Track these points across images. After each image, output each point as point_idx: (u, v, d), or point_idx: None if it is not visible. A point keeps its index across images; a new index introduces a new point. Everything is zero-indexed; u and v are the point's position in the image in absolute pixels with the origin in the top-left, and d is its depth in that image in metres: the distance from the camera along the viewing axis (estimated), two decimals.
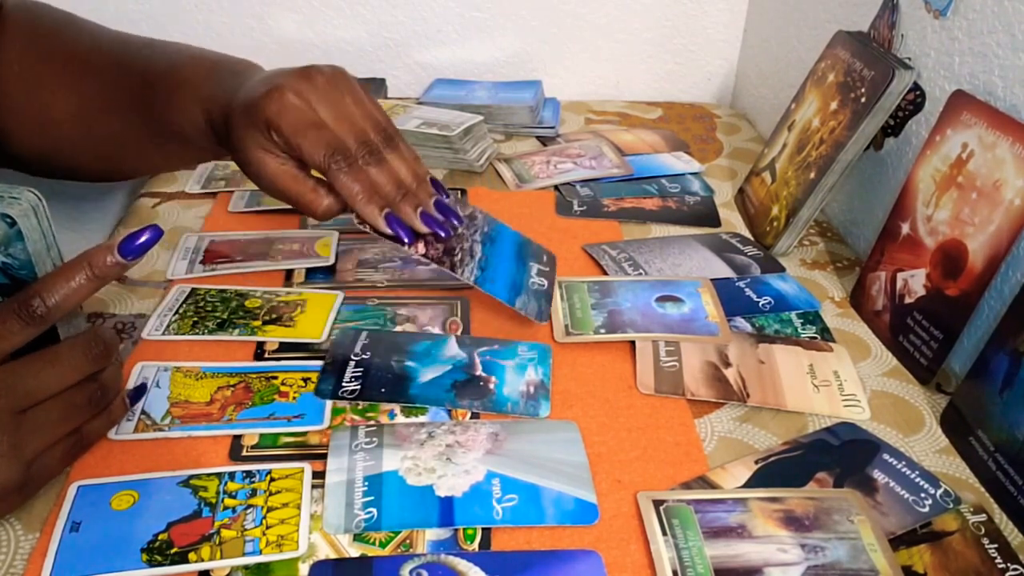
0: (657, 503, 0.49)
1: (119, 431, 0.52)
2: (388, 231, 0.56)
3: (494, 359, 0.60)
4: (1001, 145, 0.56)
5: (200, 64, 0.63)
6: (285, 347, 0.61)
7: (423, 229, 0.58)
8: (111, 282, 0.48)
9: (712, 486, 0.51)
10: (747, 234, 0.80)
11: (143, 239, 0.46)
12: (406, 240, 0.57)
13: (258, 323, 0.63)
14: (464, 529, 0.47)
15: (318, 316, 0.64)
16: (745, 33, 1.12)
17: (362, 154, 0.56)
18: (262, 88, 0.55)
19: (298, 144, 0.55)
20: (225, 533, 0.46)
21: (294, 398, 0.56)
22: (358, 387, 0.56)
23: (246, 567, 0.44)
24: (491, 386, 0.57)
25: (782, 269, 0.73)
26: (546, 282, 0.65)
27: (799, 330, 0.66)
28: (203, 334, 0.61)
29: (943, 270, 0.60)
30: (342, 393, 0.56)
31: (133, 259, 0.46)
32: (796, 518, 0.48)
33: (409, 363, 0.59)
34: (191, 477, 0.49)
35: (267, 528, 0.46)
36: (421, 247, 0.58)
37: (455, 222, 0.59)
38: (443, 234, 0.58)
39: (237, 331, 0.62)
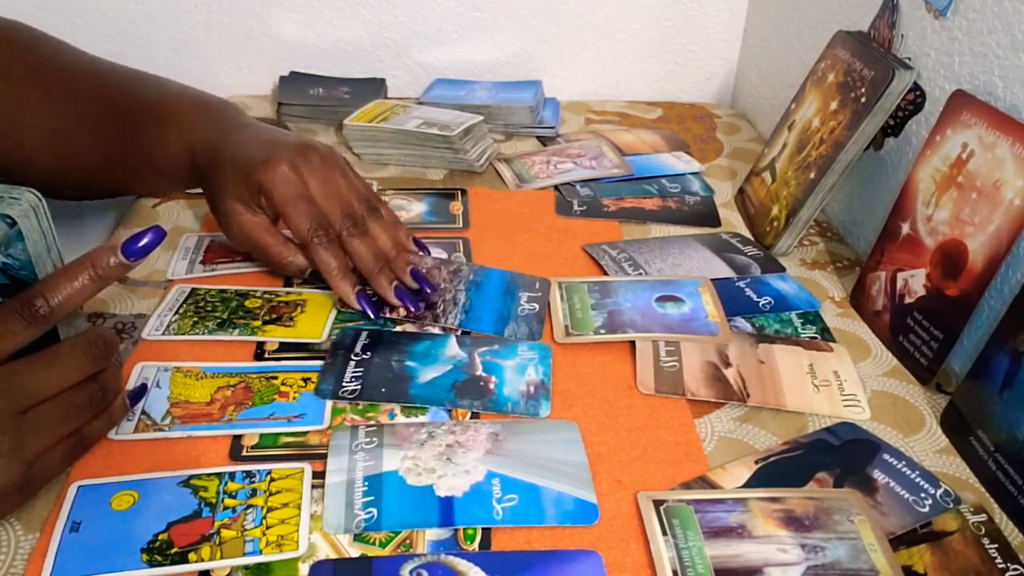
0: (657, 503, 0.49)
1: (119, 431, 0.52)
2: (358, 307, 0.62)
3: (494, 359, 0.60)
4: (1001, 145, 0.56)
5: (185, 101, 0.67)
6: (285, 347, 0.61)
7: (395, 303, 0.62)
8: (113, 283, 0.48)
9: (712, 486, 0.51)
10: (747, 234, 0.80)
11: (146, 240, 0.46)
12: (372, 316, 0.62)
13: (258, 323, 0.63)
14: (464, 529, 0.47)
15: (318, 316, 0.64)
16: (745, 33, 1.12)
17: (347, 226, 0.61)
18: (261, 155, 0.60)
19: (286, 213, 0.60)
20: (225, 533, 0.46)
21: (294, 398, 0.56)
22: (358, 387, 0.56)
23: (246, 567, 0.44)
24: (491, 386, 0.57)
25: (782, 269, 0.74)
26: (537, 305, 0.66)
27: (799, 330, 0.66)
28: (203, 334, 0.61)
29: (943, 270, 0.60)
30: (342, 393, 0.56)
31: (136, 260, 0.46)
32: (796, 518, 0.48)
33: (409, 363, 0.59)
34: (191, 477, 0.49)
35: (267, 528, 0.46)
36: (402, 310, 0.63)
37: (428, 290, 0.64)
38: (413, 309, 0.62)
39: (237, 331, 0.62)
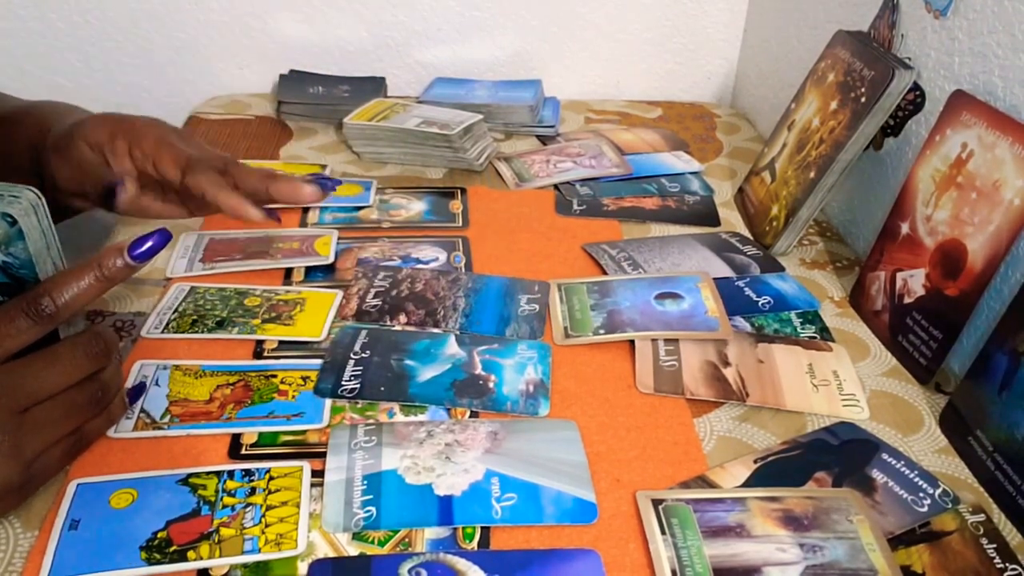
0: (656, 502, 0.49)
1: (118, 429, 0.52)
2: (256, 214, 0.62)
3: (493, 358, 0.60)
4: (1001, 145, 0.56)
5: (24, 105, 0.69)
6: (284, 346, 0.61)
7: (308, 196, 0.63)
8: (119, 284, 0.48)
9: (711, 485, 0.51)
10: (747, 234, 0.80)
11: (152, 243, 0.47)
12: (276, 219, 0.64)
13: (257, 321, 0.63)
14: (463, 528, 0.47)
15: (317, 315, 0.64)
16: (745, 33, 1.12)
17: (219, 166, 0.62)
18: (123, 116, 0.63)
19: (160, 152, 0.61)
20: (224, 531, 0.46)
21: (293, 397, 0.56)
22: (357, 386, 0.56)
23: (245, 565, 0.44)
24: (490, 385, 0.57)
25: (781, 269, 0.74)
26: (537, 305, 0.66)
27: (798, 330, 0.66)
28: (202, 332, 0.61)
29: (942, 270, 0.60)
30: (341, 392, 0.56)
31: (142, 262, 0.46)
32: (795, 517, 0.48)
33: (408, 362, 0.59)
34: (190, 475, 0.49)
35: (266, 526, 0.46)
36: (403, 317, 0.63)
37: (330, 183, 0.68)
38: (328, 185, 0.64)
39: (236, 329, 0.62)
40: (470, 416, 0.55)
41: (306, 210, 0.79)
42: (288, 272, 0.70)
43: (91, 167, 0.62)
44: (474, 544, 0.46)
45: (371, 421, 0.54)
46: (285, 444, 0.52)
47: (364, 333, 0.62)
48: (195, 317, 0.63)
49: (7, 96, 0.71)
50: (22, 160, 0.65)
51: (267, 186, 0.64)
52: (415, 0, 1.06)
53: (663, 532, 0.47)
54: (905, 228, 0.64)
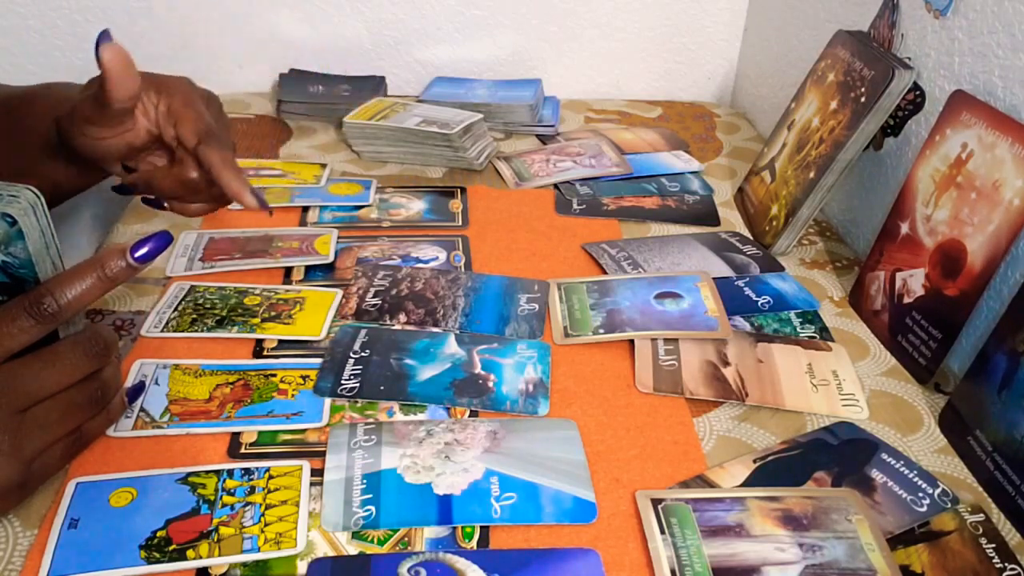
0: (655, 502, 0.49)
1: (118, 428, 0.52)
2: (252, 201, 0.60)
3: (493, 357, 0.60)
4: (1000, 145, 0.56)
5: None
6: (284, 345, 0.61)
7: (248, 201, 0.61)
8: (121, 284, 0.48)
9: (710, 485, 0.51)
10: (746, 233, 0.80)
11: (154, 245, 0.47)
12: (268, 210, 0.62)
13: (257, 320, 0.63)
14: (463, 527, 0.47)
15: (317, 314, 0.64)
16: (745, 32, 1.12)
17: (229, 146, 0.63)
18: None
19: (183, 114, 0.61)
20: (223, 530, 0.46)
21: (293, 395, 0.56)
22: (357, 385, 0.56)
23: (244, 564, 0.44)
24: (490, 384, 0.57)
25: (781, 268, 0.74)
26: (537, 305, 0.66)
27: (798, 329, 0.66)
28: (202, 331, 0.61)
29: (942, 270, 0.60)
30: (341, 391, 0.56)
31: (144, 263, 0.47)
32: (794, 517, 0.48)
33: (408, 361, 0.59)
34: (190, 474, 0.49)
35: (265, 525, 0.46)
36: (403, 317, 0.64)
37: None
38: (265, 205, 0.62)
39: (236, 328, 0.62)
40: (469, 415, 0.55)
41: (306, 209, 0.79)
42: (288, 271, 0.70)
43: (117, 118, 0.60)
44: (473, 543, 0.46)
45: (370, 420, 0.54)
46: (284, 443, 0.52)
47: (364, 332, 0.62)
48: (195, 316, 0.63)
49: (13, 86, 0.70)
50: (42, 132, 0.63)
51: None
52: None
53: (662, 531, 0.47)
54: (905, 228, 0.64)
